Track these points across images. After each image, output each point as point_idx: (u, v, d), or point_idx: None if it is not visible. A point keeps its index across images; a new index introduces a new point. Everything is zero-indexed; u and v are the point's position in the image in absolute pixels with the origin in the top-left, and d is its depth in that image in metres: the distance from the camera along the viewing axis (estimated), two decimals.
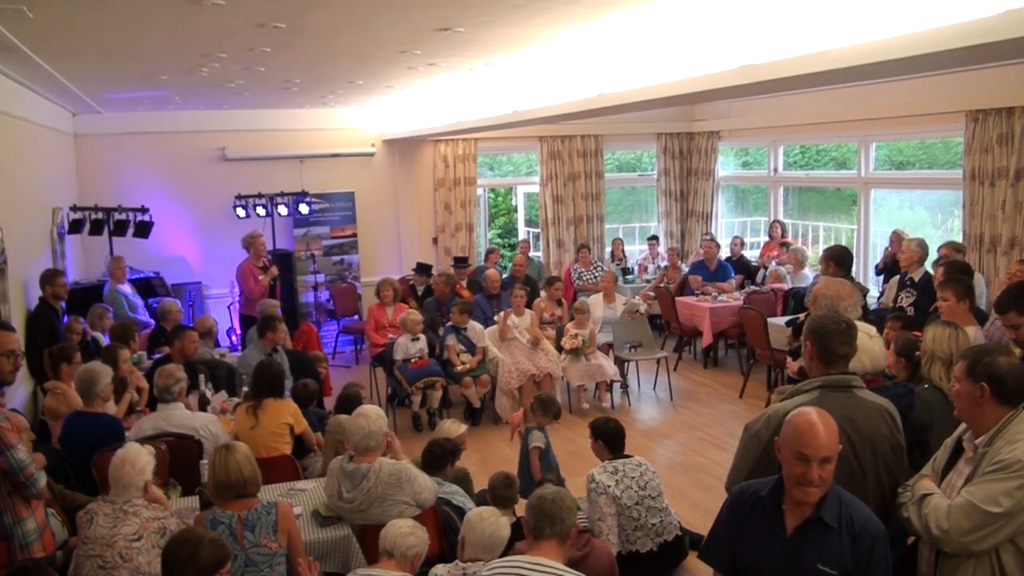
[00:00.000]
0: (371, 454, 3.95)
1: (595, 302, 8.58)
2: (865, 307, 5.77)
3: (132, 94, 7.81)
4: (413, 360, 7.39)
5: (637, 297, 9.36)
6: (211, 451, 4.64)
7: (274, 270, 8.43)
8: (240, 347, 8.29)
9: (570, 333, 7.82)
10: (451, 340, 7.64)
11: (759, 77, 4.17)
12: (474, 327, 7.76)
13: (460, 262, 9.67)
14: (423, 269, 9.51)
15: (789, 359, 6.48)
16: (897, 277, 6.76)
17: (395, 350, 7.46)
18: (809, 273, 9.08)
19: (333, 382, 7.59)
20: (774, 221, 10.55)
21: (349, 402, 5.21)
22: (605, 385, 8.00)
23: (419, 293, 9.29)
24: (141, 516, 3.38)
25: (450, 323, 7.77)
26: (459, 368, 7.49)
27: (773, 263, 9.47)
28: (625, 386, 8.28)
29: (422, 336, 7.55)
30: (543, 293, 8.92)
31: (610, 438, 4.62)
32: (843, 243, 9.62)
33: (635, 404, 8.16)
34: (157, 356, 6.51)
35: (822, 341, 2.82)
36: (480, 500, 4.54)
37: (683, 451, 6.86)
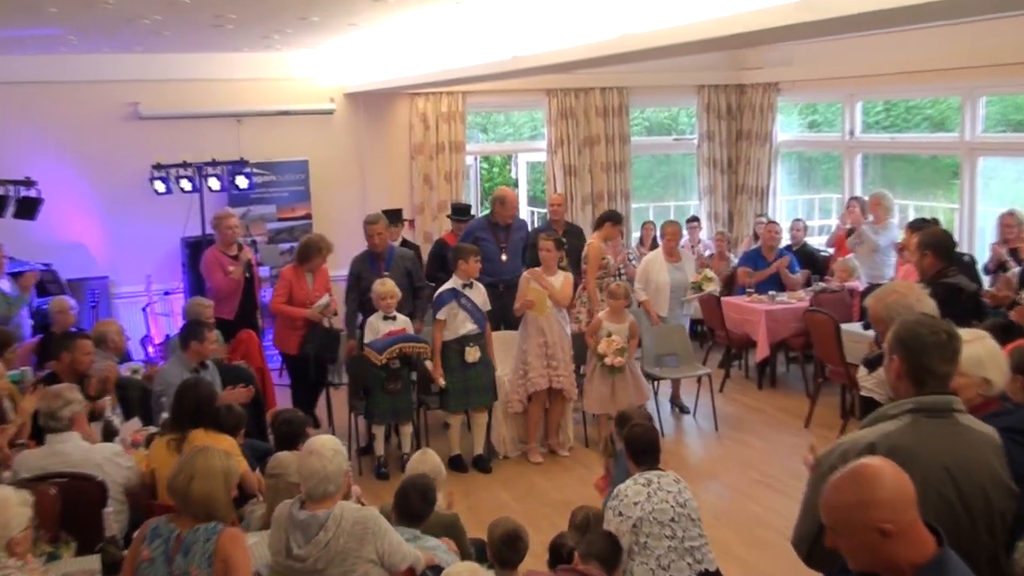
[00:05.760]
0: (329, 499, 3.92)
1: (655, 261, 8.48)
2: (979, 307, 5.75)
3: (11, 32, 7.78)
4: (385, 332, 7.23)
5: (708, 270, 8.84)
6: (117, 496, 4.67)
7: (247, 252, 8.42)
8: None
9: (605, 328, 7.36)
10: (443, 314, 7.29)
11: (831, 13, 4.15)
12: (478, 287, 7.50)
13: (461, 212, 9.43)
14: (394, 216, 9.14)
15: (863, 369, 6.47)
16: (1017, 270, 6.77)
17: (366, 332, 7.31)
18: (895, 225, 9.09)
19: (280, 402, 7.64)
20: (851, 199, 10.50)
21: (291, 429, 5.19)
22: None
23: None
24: None
25: (448, 286, 7.42)
26: (441, 383, 7.28)
27: (850, 257, 9.43)
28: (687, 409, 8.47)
29: (398, 315, 7.34)
30: (591, 240, 8.57)
31: (635, 445, 4.69)
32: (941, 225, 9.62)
33: (668, 434, 8.10)
34: (47, 372, 6.47)
35: (914, 355, 2.79)
36: (479, 554, 4.56)
37: (731, 496, 6.87)
